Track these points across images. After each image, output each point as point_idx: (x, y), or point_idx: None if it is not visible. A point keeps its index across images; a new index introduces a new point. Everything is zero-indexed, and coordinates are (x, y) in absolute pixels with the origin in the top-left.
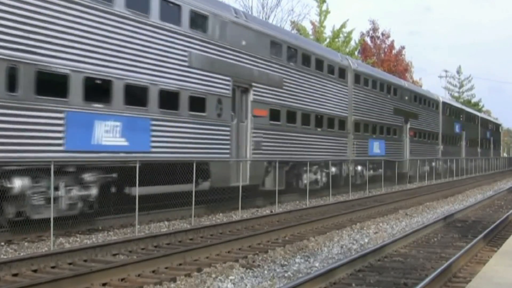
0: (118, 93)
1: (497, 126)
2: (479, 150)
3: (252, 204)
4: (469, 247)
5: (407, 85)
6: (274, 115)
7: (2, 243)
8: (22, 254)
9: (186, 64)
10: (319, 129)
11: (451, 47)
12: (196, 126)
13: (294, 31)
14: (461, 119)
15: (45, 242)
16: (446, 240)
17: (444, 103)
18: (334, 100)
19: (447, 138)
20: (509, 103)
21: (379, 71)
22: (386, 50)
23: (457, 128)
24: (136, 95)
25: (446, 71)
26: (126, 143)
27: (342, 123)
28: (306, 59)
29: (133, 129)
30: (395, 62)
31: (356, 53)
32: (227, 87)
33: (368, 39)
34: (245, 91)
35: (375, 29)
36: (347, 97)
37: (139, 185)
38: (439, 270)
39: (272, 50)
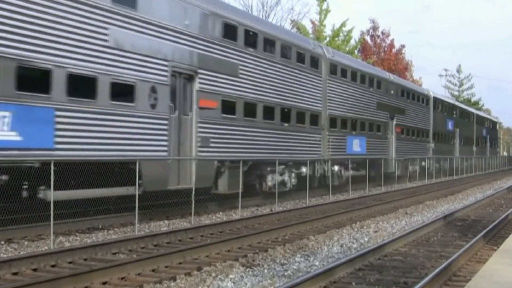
0: (7, 75)
1: (494, 123)
2: (474, 148)
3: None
4: (469, 246)
5: (393, 78)
6: (228, 107)
7: (2, 242)
8: (22, 253)
9: (105, 44)
10: (286, 125)
11: (451, 46)
12: (121, 119)
13: (294, 30)
14: (455, 115)
15: (45, 241)
16: (446, 239)
17: (435, 99)
18: (305, 92)
19: (438, 136)
20: (509, 102)
21: (360, 61)
22: (386, 49)
23: (450, 125)
24: (34, 79)
25: (446, 70)
26: (18, 138)
27: (315, 118)
28: (269, 45)
29: (28, 121)
30: (395, 61)
31: (356, 52)
32: (164, 73)
33: (368, 38)
34: (189, 78)
35: (375, 28)
36: (321, 90)
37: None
38: (439, 269)
39: (225, 33)
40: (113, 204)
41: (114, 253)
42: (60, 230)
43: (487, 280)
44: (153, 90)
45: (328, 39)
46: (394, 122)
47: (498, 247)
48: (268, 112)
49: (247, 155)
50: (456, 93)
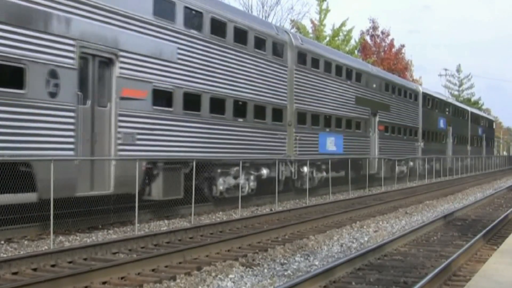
0: None
1: (491, 122)
2: (469, 148)
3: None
4: (469, 245)
5: (375, 71)
6: (161, 98)
7: (2, 242)
8: (22, 252)
9: None
10: (240, 120)
11: (451, 46)
12: (5, 109)
13: (294, 30)
14: (447, 113)
15: (45, 241)
16: (446, 239)
17: (425, 95)
18: (266, 83)
19: (429, 134)
20: (509, 102)
21: (337, 51)
22: (386, 48)
23: (441, 123)
24: None
25: (445, 70)
26: None
27: (279, 113)
28: (218, 27)
29: None
30: (395, 61)
31: (356, 51)
32: (69, 54)
33: (368, 38)
34: (108, 63)
35: (375, 28)
36: (286, 81)
37: None
38: (439, 268)
39: (158, 10)
40: (113, 204)
41: (114, 253)
42: (60, 229)
43: (487, 279)
44: (53, 74)
45: (328, 38)
46: (377, 119)
47: (498, 247)
48: (217, 105)
49: (190, 154)
50: (456, 92)
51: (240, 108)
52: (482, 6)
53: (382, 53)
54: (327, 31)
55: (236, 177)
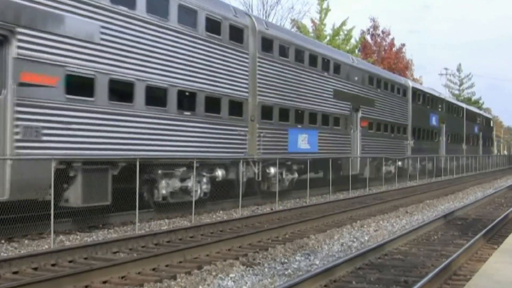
0: None
1: (488, 120)
2: (464, 147)
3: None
4: (469, 245)
5: (357, 63)
6: (78, 85)
7: (3, 241)
8: (22, 251)
9: None
10: (187, 113)
11: (451, 45)
12: None
13: (295, 29)
14: (440, 109)
15: (45, 240)
16: (446, 238)
17: (415, 89)
18: (220, 72)
19: (419, 132)
20: (509, 101)
21: (310, 39)
22: (386, 48)
23: (434, 121)
24: None
25: (446, 69)
26: None
27: (238, 107)
28: (157, 4)
29: None
30: (395, 60)
31: (356, 51)
32: None
33: (368, 37)
34: (1, 41)
35: (375, 27)
36: (247, 70)
37: None
38: (439, 268)
39: None
40: (114, 204)
41: (115, 252)
42: (61, 229)
43: (487, 279)
44: None
45: (328, 38)
46: (360, 115)
47: (498, 246)
48: (156, 95)
49: (121, 153)
50: (456, 92)
51: (187, 100)
52: (482, 6)
53: (383, 53)
54: (328, 30)
55: (183, 179)
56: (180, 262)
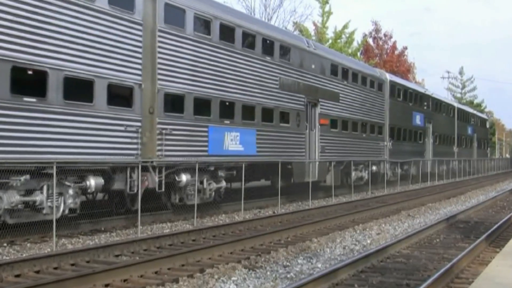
0: None
1: (483, 121)
2: (455, 149)
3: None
4: (471, 248)
5: (314, 48)
6: None
7: (5, 244)
8: (24, 255)
9: None
10: (30, 99)
11: (453, 48)
12: None
13: (297, 32)
14: (426, 107)
15: (47, 243)
16: (449, 241)
17: (394, 84)
18: (92, 46)
19: (399, 132)
20: (511, 104)
21: (244, 14)
22: (388, 51)
23: (418, 120)
24: None
25: (448, 72)
26: None
27: (123, 94)
28: None
29: None
30: (397, 63)
31: (358, 54)
32: None
33: (370, 40)
34: None
35: (377, 30)
36: (141, 47)
37: None
38: (441, 271)
39: None
40: (116, 207)
41: (117, 255)
42: (63, 232)
43: (489, 282)
44: None
45: (330, 41)
46: (318, 111)
47: (500, 249)
48: None
49: None
50: (458, 95)
51: (29, 82)
52: (482, 9)
53: (385, 55)
54: (330, 33)
55: (29, 191)
56: (183, 265)
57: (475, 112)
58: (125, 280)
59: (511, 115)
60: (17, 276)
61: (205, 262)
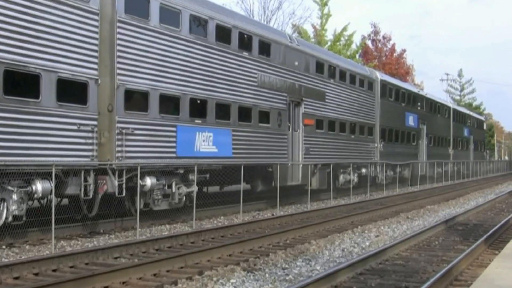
0: None
1: (480, 122)
2: (451, 151)
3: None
4: (470, 250)
5: (297, 44)
6: None
7: (4, 246)
8: (23, 257)
9: None
10: None
11: (452, 51)
12: None
13: (296, 34)
14: (420, 108)
15: (46, 245)
16: (448, 243)
17: (385, 83)
18: (37, 35)
19: (391, 133)
20: (511, 107)
21: (217, 5)
22: (387, 53)
23: (411, 121)
24: None
25: (447, 74)
26: None
27: (76, 89)
28: None
29: None
30: (396, 65)
31: (357, 56)
32: None
33: (369, 43)
34: None
35: (376, 33)
36: (97, 38)
37: None
38: (440, 273)
39: None
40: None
41: (116, 258)
42: (62, 234)
43: (488, 284)
44: None
45: (329, 43)
46: (302, 110)
47: (499, 252)
48: None
49: None
50: (457, 97)
51: None
52: (481, 12)
53: (384, 58)
54: (329, 36)
55: None
56: (181, 267)
57: (471, 113)
58: (124, 283)
59: (510, 117)
60: (16, 278)
61: (204, 265)
